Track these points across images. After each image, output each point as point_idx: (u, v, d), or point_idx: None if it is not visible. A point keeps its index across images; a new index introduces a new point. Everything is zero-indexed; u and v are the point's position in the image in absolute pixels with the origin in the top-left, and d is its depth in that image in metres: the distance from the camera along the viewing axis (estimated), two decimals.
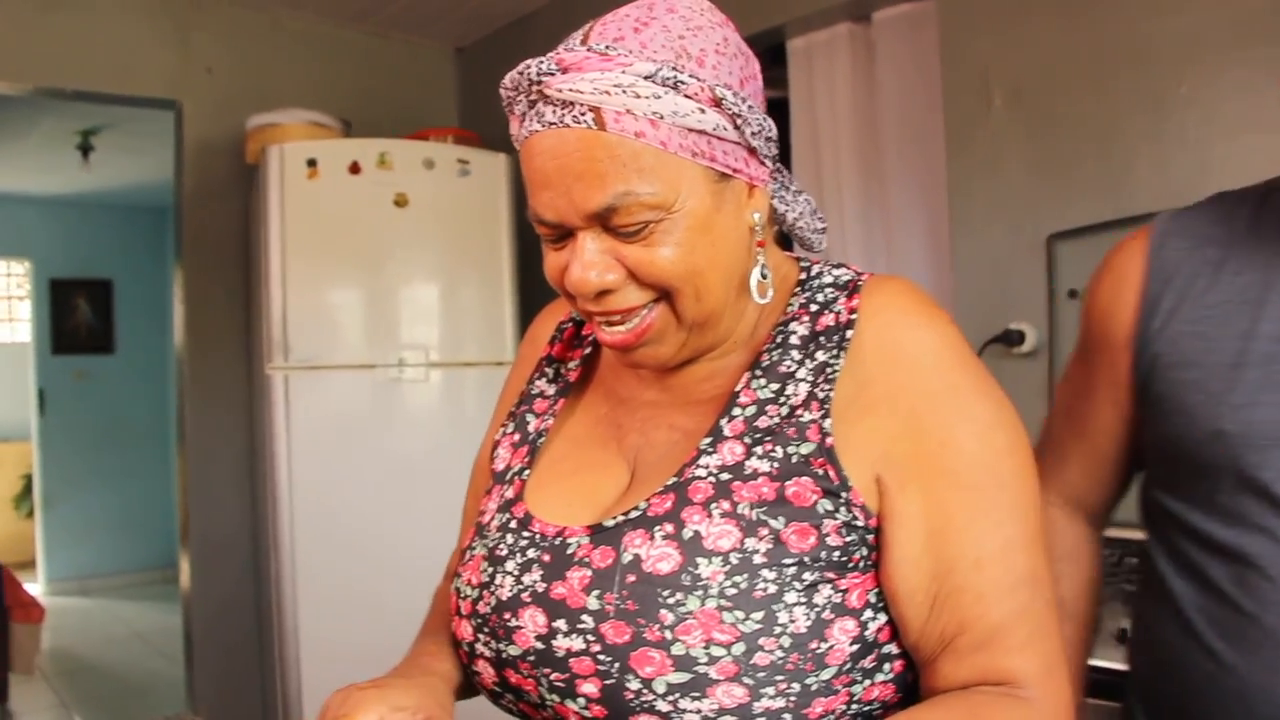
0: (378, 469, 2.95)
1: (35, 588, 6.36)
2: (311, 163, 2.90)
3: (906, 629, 0.80)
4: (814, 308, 0.87)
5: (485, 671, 0.87)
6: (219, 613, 3.53)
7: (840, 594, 0.78)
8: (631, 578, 0.79)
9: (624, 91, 0.77)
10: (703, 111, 0.79)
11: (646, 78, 0.77)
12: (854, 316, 0.85)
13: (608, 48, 0.79)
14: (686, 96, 0.78)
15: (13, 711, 3.63)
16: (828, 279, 0.89)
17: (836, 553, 0.78)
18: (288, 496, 2.84)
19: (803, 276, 0.91)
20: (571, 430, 0.96)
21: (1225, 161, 1.98)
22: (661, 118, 0.78)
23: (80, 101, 3.61)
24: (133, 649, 5.26)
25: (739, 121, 0.81)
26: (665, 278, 0.80)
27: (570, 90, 0.78)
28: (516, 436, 0.99)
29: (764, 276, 0.86)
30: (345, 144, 3.04)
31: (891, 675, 0.82)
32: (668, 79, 0.77)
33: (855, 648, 0.78)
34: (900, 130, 2.65)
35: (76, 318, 6.65)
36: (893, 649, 0.81)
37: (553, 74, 0.78)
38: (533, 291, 3.35)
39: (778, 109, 2.81)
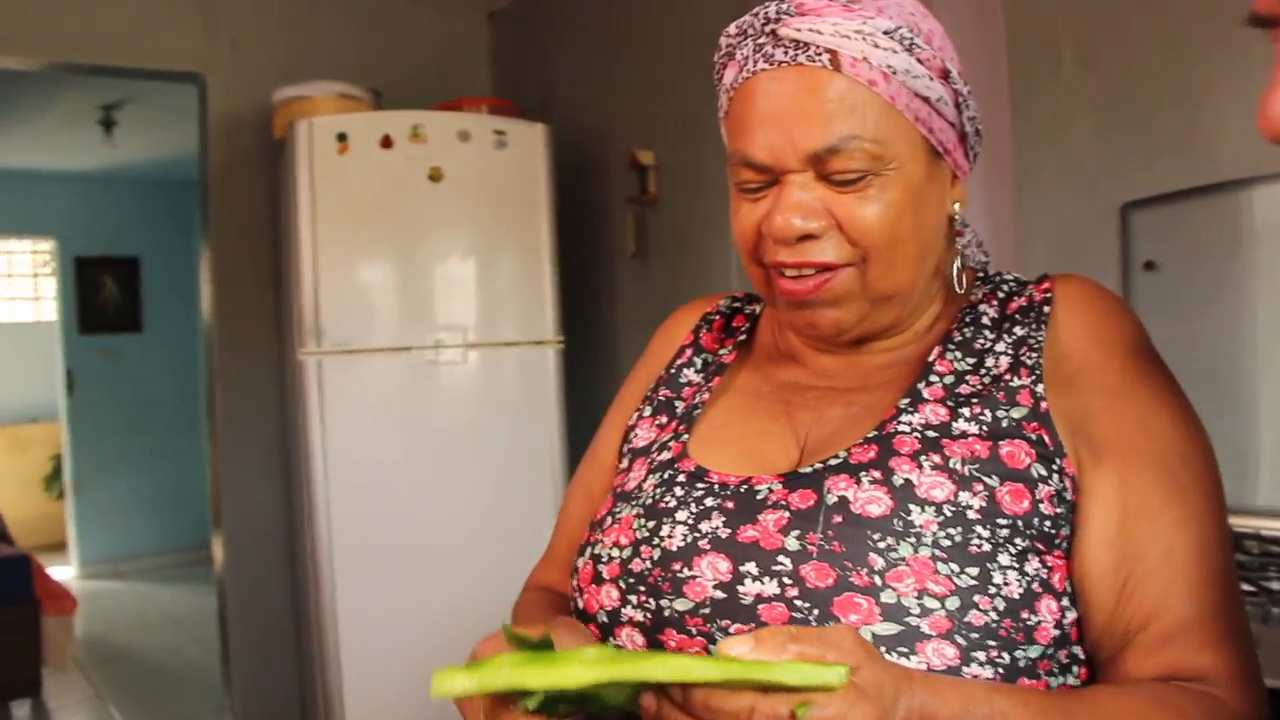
0: (415, 454, 2.93)
1: (68, 570, 6.46)
2: (342, 137, 2.86)
3: (1091, 619, 0.77)
4: (1000, 295, 0.89)
5: (633, 639, 0.81)
6: (254, 599, 3.55)
7: (1047, 570, 0.76)
8: (838, 518, 0.76)
9: (864, 39, 0.79)
10: (931, 79, 0.81)
11: (886, 33, 0.80)
12: (1049, 295, 0.86)
13: (848, 1, 0.81)
14: (919, 60, 0.81)
15: (48, 706, 3.67)
16: (1009, 276, 0.91)
17: (1047, 523, 0.76)
18: (323, 482, 2.82)
19: (981, 275, 0.93)
20: (732, 403, 0.94)
21: None
22: (895, 73, 0.80)
23: (100, 76, 3.60)
24: (167, 634, 5.31)
25: (960, 101, 0.84)
26: (870, 235, 0.81)
27: (809, 30, 0.80)
28: (660, 416, 0.97)
29: (959, 276, 0.89)
30: (376, 117, 3.00)
31: (1077, 681, 0.78)
32: (905, 38, 0.80)
33: (1057, 632, 0.75)
34: None
35: (103, 296, 6.70)
36: (1079, 652, 0.78)
37: (791, 14, 0.81)
38: (573, 269, 3.31)
39: None
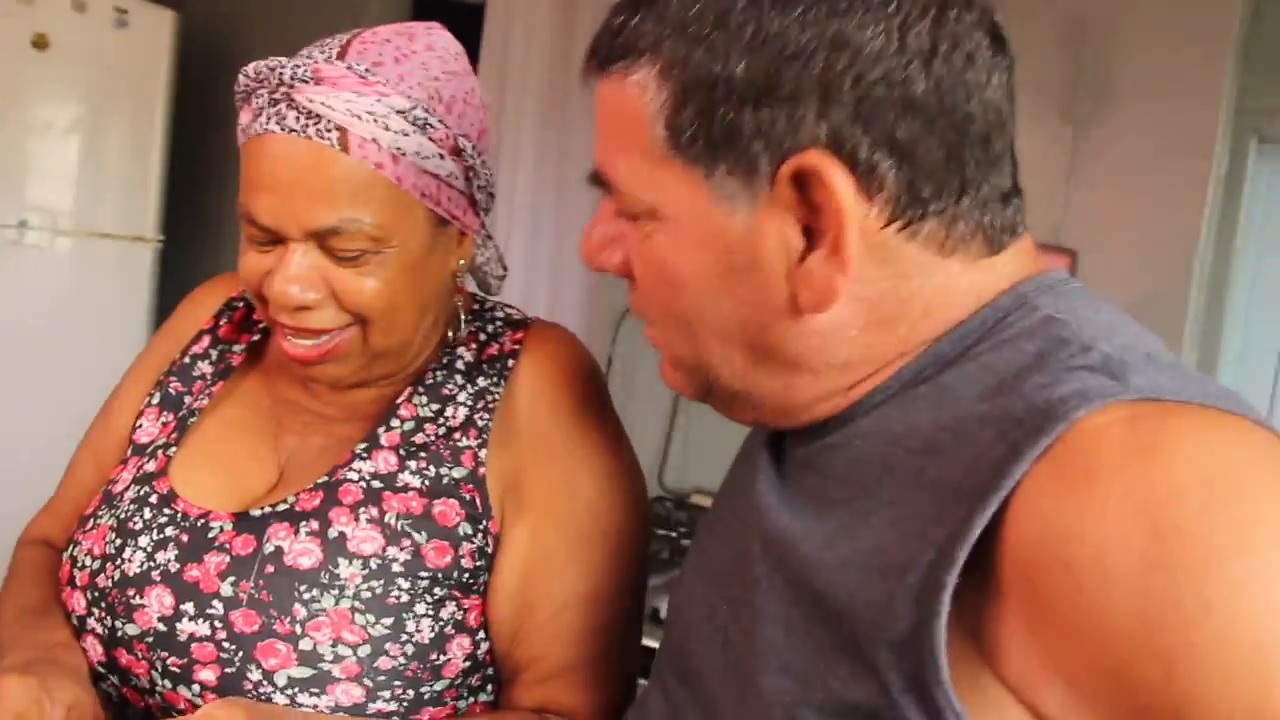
0: None
1: None
2: None
3: (495, 652, 0.88)
4: (483, 337, 0.95)
5: (92, 649, 0.87)
6: None
7: (463, 612, 0.85)
8: (270, 568, 0.82)
9: (375, 120, 0.80)
10: (442, 157, 0.83)
11: (399, 112, 0.81)
12: (517, 347, 0.93)
13: (367, 71, 0.81)
14: (432, 140, 0.82)
15: None
16: (500, 314, 0.97)
17: (466, 574, 0.85)
18: None
19: (476, 307, 0.98)
20: (227, 414, 0.97)
21: None
22: (404, 154, 0.81)
23: None
24: None
25: (471, 174, 0.87)
26: (366, 307, 0.84)
27: (322, 104, 0.79)
28: (166, 413, 0.98)
29: (460, 322, 0.93)
30: None
31: (492, 697, 0.90)
32: (419, 119, 0.81)
33: (467, 664, 0.86)
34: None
35: None
36: (493, 670, 0.90)
37: (306, 81, 0.80)
38: (186, 164, 3.22)
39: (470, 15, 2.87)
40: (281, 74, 0.80)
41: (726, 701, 0.71)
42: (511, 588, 0.87)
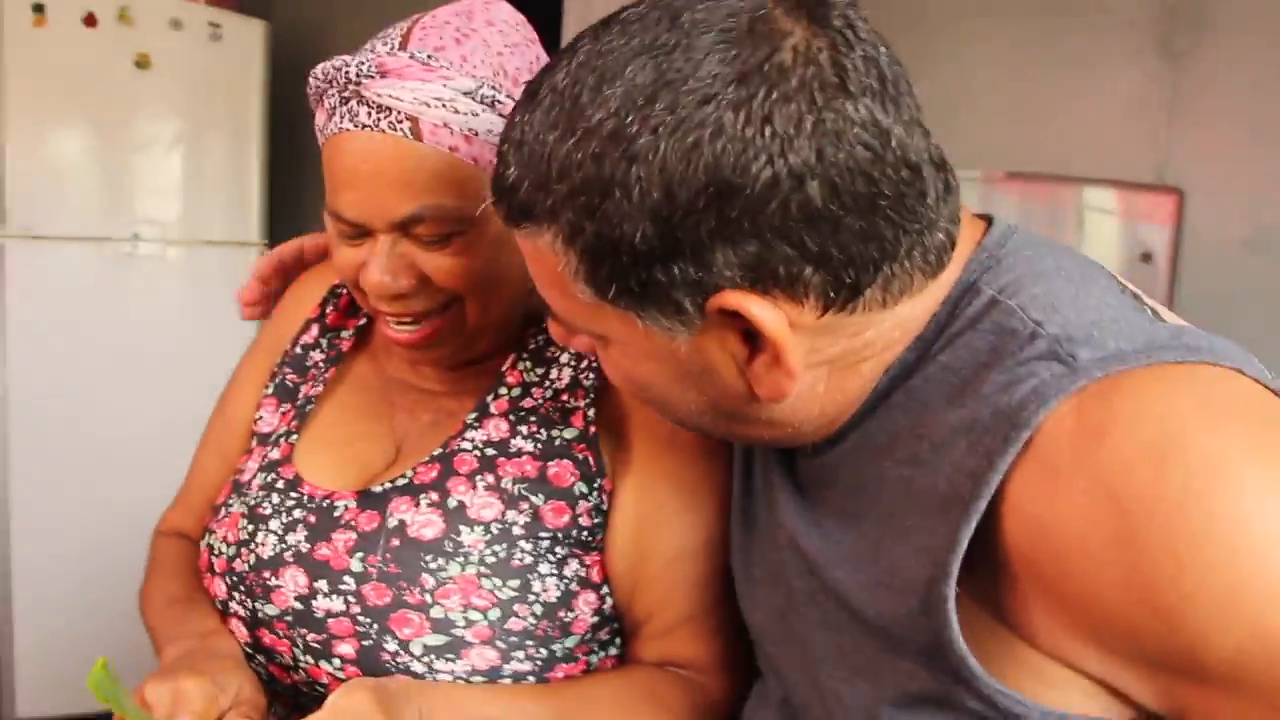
0: (105, 351, 2.88)
1: None
2: (38, 8, 2.73)
3: (616, 607, 0.90)
4: None
5: (238, 631, 0.91)
6: None
7: (585, 569, 0.88)
8: (395, 541, 0.86)
9: (444, 105, 0.81)
10: None
11: (466, 94, 0.82)
12: None
13: (430, 57, 0.82)
14: (501, 115, 0.83)
15: None
16: None
17: (585, 532, 0.88)
18: (1, 383, 2.75)
19: None
20: (342, 399, 1.00)
21: None
22: (476, 134, 0.82)
23: None
24: None
25: None
26: (460, 286, 0.86)
27: (390, 96, 0.81)
28: (284, 404, 1.02)
29: None
30: None
31: (621, 650, 0.92)
32: (486, 96, 0.82)
33: (596, 619, 0.88)
34: None
35: None
36: (620, 624, 0.92)
37: (372, 76, 0.81)
38: (285, 172, 3.32)
39: None
40: (348, 72, 0.82)
41: (812, 704, 0.76)
42: (626, 542, 0.89)
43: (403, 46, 0.84)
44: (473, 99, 0.82)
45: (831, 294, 0.63)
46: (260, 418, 1.02)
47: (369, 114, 0.82)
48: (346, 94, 0.83)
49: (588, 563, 0.88)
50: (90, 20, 2.80)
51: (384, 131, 0.81)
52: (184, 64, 2.95)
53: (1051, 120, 2.22)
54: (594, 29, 0.65)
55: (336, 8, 3.48)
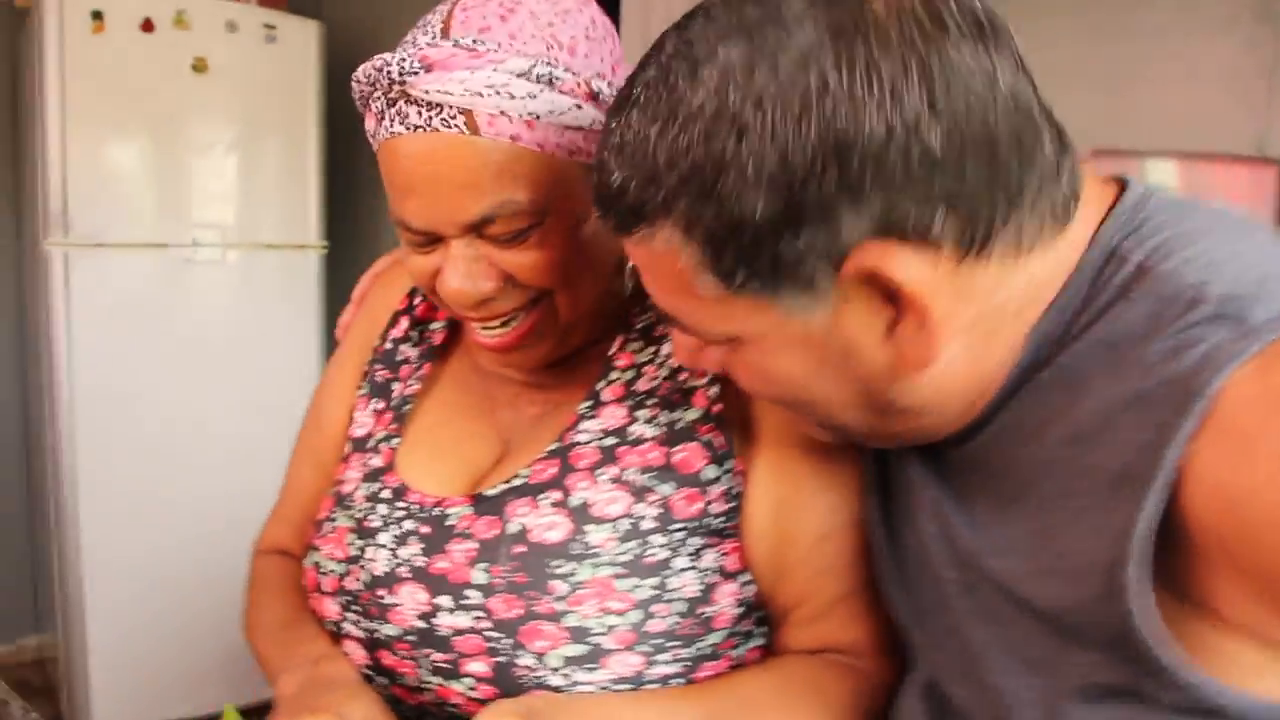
0: (168, 358, 2.89)
1: None
2: (97, 15, 2.73)
3: (760, 594, 0.84)
4: None
5: (354, 653, 0.85)
6: None
7: (723, 558, 0.82)
8: (519, 548, 0.80)
9: (497, 92, 0.75)
10: (579, 107, 0.78)
11: (520, 75, 0.75)
12: None
13: (475, 41, 0.76)
14: (562, 93, 0.77)
15: None
16: None
17: (719, 519, 0.82)
18: (67, 390, 2.75)
19: None
20: (442, 396, 0.95)
21: None
22: (538, 118, 0.76)
23: None
24: None
25: None
26: (545, 281, 0.81)
27: (439, 91, 0.75)
28: (377, 401, 0.97)
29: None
30: None
31: (764, 640, 0.86)
32: (542, 75, 0.76)
33: (739, 610, 0.82)
34: None
35: None
36: (763, 613, 0.85)
37: (416, 73, 0.75)
38: (341, 173, 3.31)
39: None
40: (390, 72, 0.76)
41: (973, 701, 0.71)
42: (765, 525, 0.83)
43: (445, 34, 0.78)
44: (528, 79, 0.76)
45: (964, 242, 0.61)
46: (355, 421, 0.97)
47: (419, 114, 0.76)
48: (393, 95, 0.77)
49: (725, 551, 0.82)
50: (147, 25, 2.79)
51: (438, 130, 0.75)
52: (240, 67, 2.95)
53: (1140, 93, 2.14)
54: (676, 25, 0.65)
55: (384, 3, 3.46)
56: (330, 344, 3.09)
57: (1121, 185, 0.68)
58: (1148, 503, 0.56)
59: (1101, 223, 0.66)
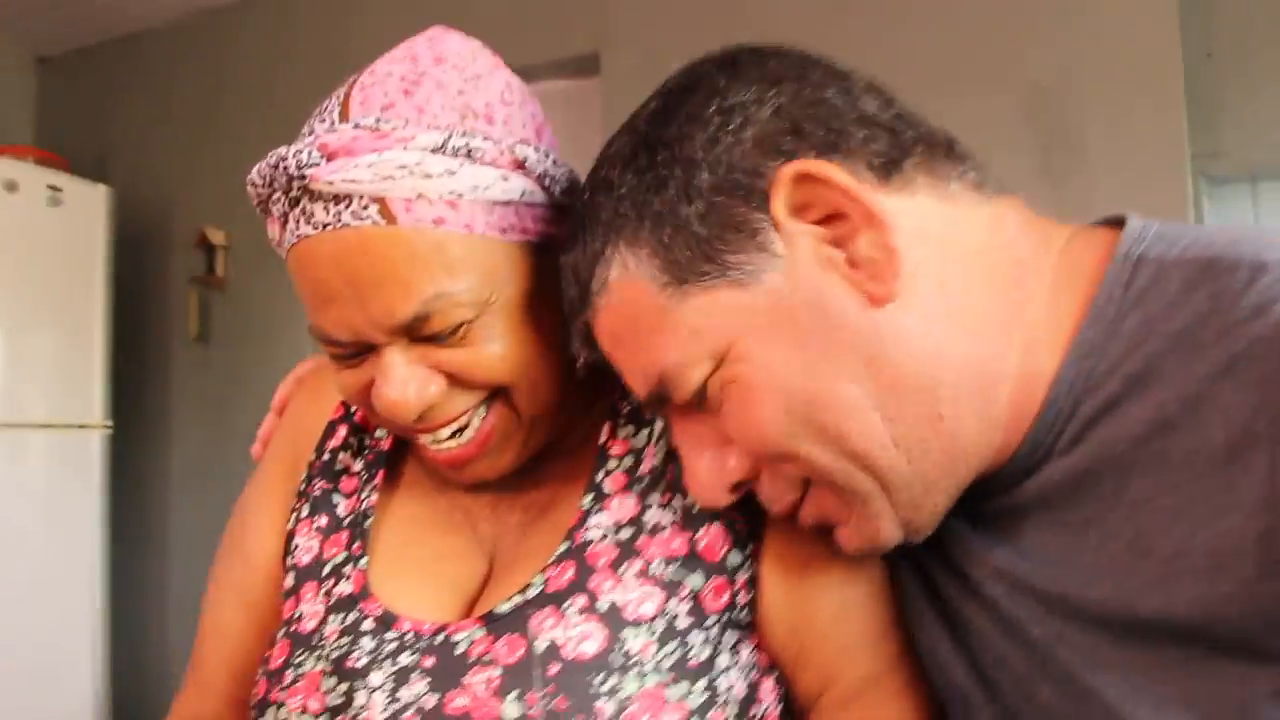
0: None
1: None
2: None
3: (786, 684, 0.76)
4: None
5: None
6: None
7: (756, 652, 0.73)
8: (553, 668, 0.68)
9: (411, 173, 0.67)
10: (505, 179, 0.70)
11: (434, 150, 0.68)
12: None
13: (378, 121, 0.69)
14: (484, 164, 0.69)
15: None
16: None
17: (745, 611, 0.73)
18: None
19: None
20: (403, 512, 0.83)
21: None
22: (461, 196, 0.68)
23: None
24: None
25: (547, 182, 0.73)
26: (497, 377, 0.72)
27: (344, 181, 0.66)
28: (323, 519, 0.83)
29: None
30: None
31: None
32: (459, 147, 0.68)
33: (781, 705, 0.74)
34: None
35: None
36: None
37: (317, 164, 0.67)
38: (127, 348, 3.11)
39: None
40: (287, 167, 0.68)
41: None
42: (780, 605, 0.74)
43: (344, 118, 0.70)
44: (444, 154, 0.68)
45: (877, 147, 0.64)
46: (296, 547, 0.82)
47: (326, 209, 0.67)
48: (294, 194, 0.69)
49: (755, 645, 0.73)
50: None
51: (349, 225, 0.67)
52: (18, 228, 2.75)
53: None
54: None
55: (178, 175, 3.35)
56: (115, 529, 2.86)
57: (1121, 219, 0.69)
58: None
59: (1117, 242, 0.66)
